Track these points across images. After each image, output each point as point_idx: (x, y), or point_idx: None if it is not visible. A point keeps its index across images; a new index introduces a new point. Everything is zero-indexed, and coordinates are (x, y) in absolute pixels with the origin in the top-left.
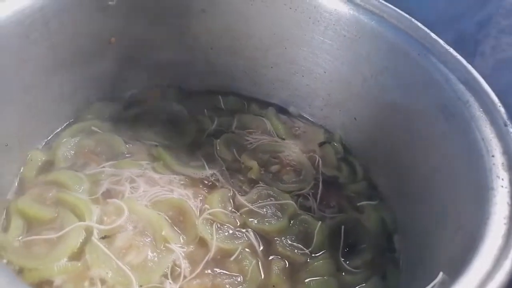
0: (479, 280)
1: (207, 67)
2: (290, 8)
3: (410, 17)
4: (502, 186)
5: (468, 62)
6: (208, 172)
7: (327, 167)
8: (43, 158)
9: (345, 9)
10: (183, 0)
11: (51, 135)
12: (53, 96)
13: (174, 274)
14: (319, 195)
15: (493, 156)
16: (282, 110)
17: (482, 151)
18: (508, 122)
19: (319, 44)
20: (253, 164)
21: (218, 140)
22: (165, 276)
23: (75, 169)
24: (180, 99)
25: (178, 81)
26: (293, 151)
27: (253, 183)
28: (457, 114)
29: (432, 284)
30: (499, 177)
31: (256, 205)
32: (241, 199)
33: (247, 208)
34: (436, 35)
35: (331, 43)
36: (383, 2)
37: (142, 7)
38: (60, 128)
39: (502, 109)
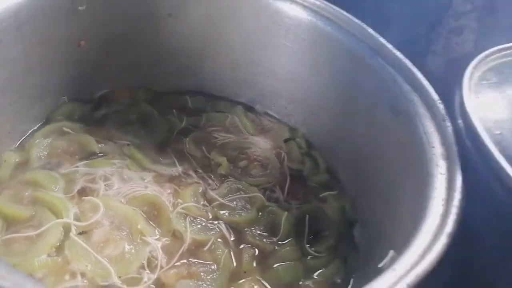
0: (420, 252)
1: (176, 68)
2: (254, 13)
3: (361, 23)
4: (441, 173)
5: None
6: (180, 168)
7: (292, 161)
8: (17, 159)
9: (304, 15)
10: (151, 4)
11: (24, 137)
12: (25, 99)
13: (151, 265)
14: (286, 188)
15: (433, 147)
16: (249, 109)
17: (424, 143)
18: (446, 117)
19: (281, 47)
20: (223, 160)
21: (188, 138)
22: (142, 267)
23: (49, 169)
24: (149, 99)
25: (147, 82)
26: (259, 147)
27: (223, 178)
28: (404, 111)
29: (384, 261)
30: (438, 165)
31: (226, 199)
32: (212, 193)
33: (218, 201)
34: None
35: (292, 46)
36: (338, 9)
37: (111, 11)
38: (32, 130)
39: (441, 106)
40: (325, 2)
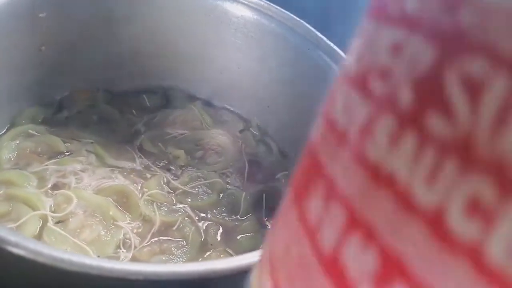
0: None
1: (134, 70)
2: (204, 15)
3: (301, 20)
4: None
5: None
6: (142, 163)
7: (248, 148)
8: None
9: (250, 14)
10: (106, 9)
11: None
12: None
13: (126, 245)
14: (245, 172)
15: None
16: (207, 103)
17: None
18: None
19: (232, 44)
20: (180, 152)
21: (147, 135)
22: (118, 247)
23: (20, 169)
24: (108, 100)
25: (106, 83)
26: (212, 137)
27: (183, 168)
28: None
29: None
30: None
31: (188, 186)
32: (174, 183)
33: (181, 190)
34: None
35: (241, 43)
36: (280, 9)
37: (70, 17)
38: None
39: None
40: (267, 2)
